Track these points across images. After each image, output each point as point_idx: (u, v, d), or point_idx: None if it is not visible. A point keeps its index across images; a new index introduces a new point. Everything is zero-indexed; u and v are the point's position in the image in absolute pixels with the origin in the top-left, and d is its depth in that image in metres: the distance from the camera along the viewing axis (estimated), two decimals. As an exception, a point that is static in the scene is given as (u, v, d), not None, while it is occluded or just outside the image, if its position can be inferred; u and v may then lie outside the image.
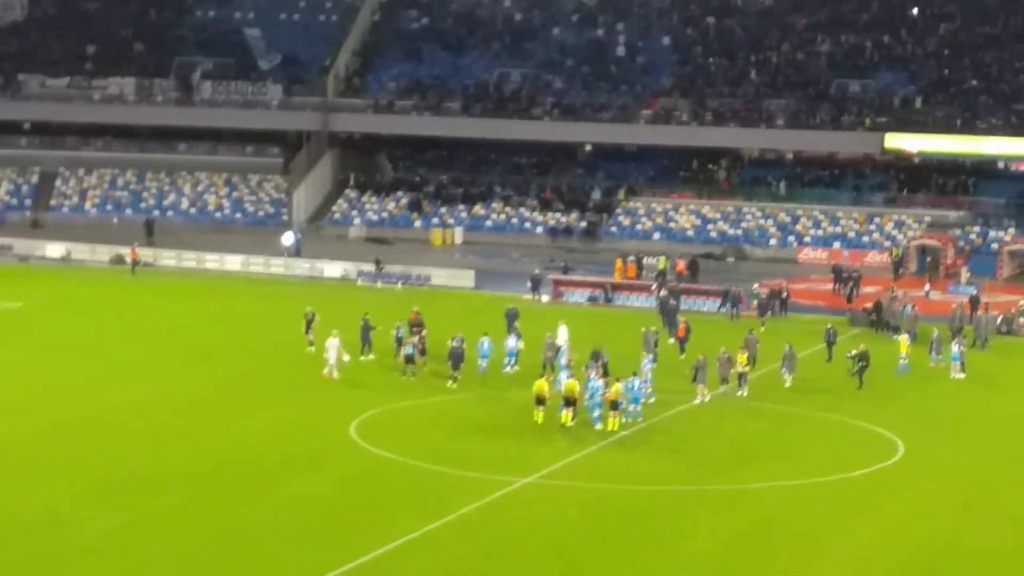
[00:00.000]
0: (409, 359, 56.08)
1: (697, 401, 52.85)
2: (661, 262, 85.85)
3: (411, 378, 55.73)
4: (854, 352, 57.35)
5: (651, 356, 55.40)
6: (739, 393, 54.11)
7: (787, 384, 56.08)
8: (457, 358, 55.02)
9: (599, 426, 48.56)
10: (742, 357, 54.62)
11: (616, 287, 79.59)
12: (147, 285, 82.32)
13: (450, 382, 54.83)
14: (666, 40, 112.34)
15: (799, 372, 57.19)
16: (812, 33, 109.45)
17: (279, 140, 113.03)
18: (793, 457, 46.37)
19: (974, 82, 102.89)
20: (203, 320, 71.55)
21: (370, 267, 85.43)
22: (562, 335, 58.32)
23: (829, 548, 37.20)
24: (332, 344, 55.60)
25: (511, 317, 62.03)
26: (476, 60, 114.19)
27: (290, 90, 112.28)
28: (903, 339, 60.89)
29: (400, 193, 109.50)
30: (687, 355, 58.68)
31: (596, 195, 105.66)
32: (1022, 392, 57.70)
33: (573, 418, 48.74)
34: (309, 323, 61.54)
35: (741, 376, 54.48)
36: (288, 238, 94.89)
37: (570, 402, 48.76)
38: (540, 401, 49.05)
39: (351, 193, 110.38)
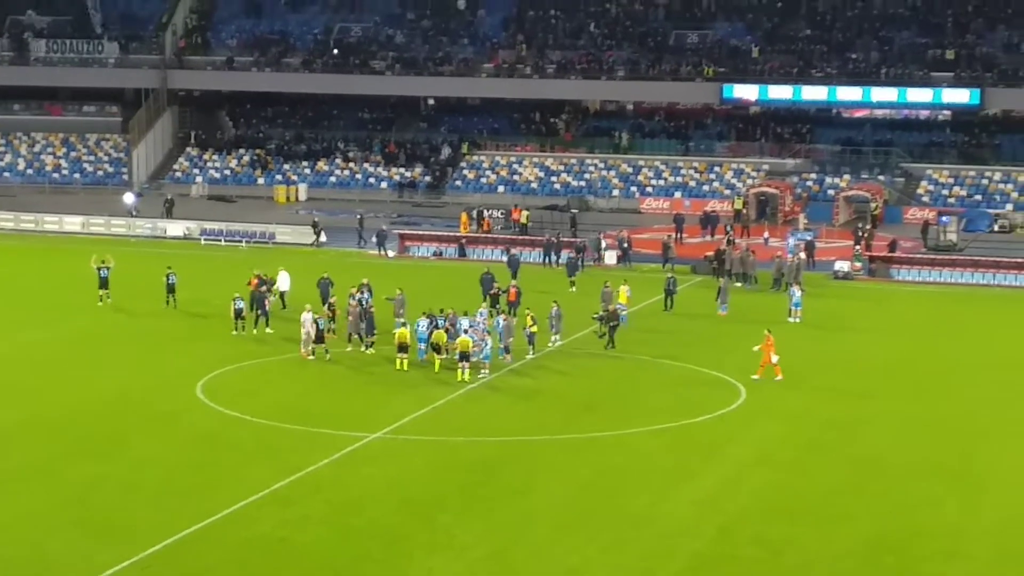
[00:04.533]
0: (238, 314, 56.41)
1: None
2: (524, 217, 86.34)
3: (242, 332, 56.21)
4: (600, 313, 55.74)
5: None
6: (528, 356, 52.61)
7: (556, 344, 54.56)
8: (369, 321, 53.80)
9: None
10: (527, 319, 53.18)
11: (471, 240, 79.74)
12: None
13: (366, 348, 53.39)
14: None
15: (641, 321, 57.90)
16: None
17: (117, 99, 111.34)
18: (639, 405, 47.03)
19: (808, 31, 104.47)
20: (46, 281, 70.46)
21: (214, 225, 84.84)
22: (283, 281, 60.29)
23: (677, 492, 37.88)
24: (306, 319, 52.68)
25: (324, 287, 59.33)
26: (316, 15, 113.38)
27: (127, 47, 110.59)
28: (623, 290, 59.54)
29: (242, 150, 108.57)
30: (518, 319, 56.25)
31: (445, 150, 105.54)
32: (856, 335, 59.05)
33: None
34: (104, 279, 62.20)
35: (530, 338, 52.79)
36: (129, 197, 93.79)
37: (404, 348, 50.67)
38: (402, 349, 50.46)
39: (192, 151, 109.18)
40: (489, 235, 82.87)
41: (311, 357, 52.37)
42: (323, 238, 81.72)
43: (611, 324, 54.78)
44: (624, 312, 57.74)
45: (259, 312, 56.84)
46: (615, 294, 58.93)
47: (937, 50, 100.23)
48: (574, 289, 66.18)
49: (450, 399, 47.10)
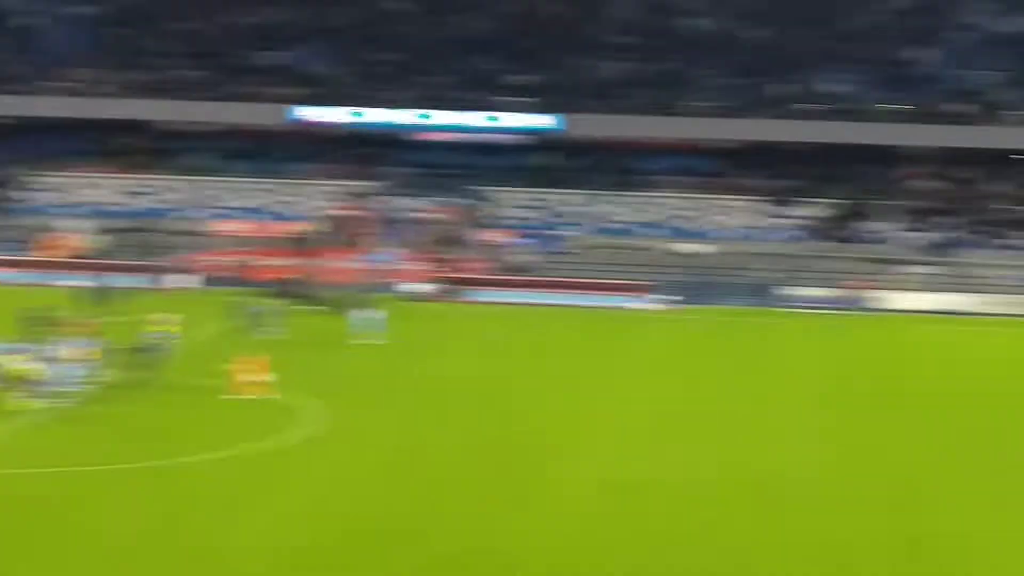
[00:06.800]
0: None
1: None
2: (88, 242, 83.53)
3: None
4: (132, 345, 53.41)
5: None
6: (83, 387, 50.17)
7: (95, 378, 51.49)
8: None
9: None
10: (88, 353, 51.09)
11: (56, 265, 76.38)
12: None
13: None
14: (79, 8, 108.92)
15: (216, 347, 56.36)
16: (227, 4, 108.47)
17: None
18: (211, 431, 45.62)
19: (386, 55, 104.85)
20: None
21: None
22: None
23: (243, 521, 36.37)
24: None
25: None
26: None
27: None
28: (160, 318, 56.89)
29: None
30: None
31: (7, 172, 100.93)
32: (431, 356, 59.22)
33: None
34: None
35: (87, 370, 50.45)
36: None
37: None
38: None
39: None
40: (80, 259, 79.77)
41: None
42: None
43: (145, 356, 52.34)
44: (166, 341, 55.12)
45: None
46: (153, 323, 56.32)
47: (519, 75, 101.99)
48: (105, 319, 63.00)
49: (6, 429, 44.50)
